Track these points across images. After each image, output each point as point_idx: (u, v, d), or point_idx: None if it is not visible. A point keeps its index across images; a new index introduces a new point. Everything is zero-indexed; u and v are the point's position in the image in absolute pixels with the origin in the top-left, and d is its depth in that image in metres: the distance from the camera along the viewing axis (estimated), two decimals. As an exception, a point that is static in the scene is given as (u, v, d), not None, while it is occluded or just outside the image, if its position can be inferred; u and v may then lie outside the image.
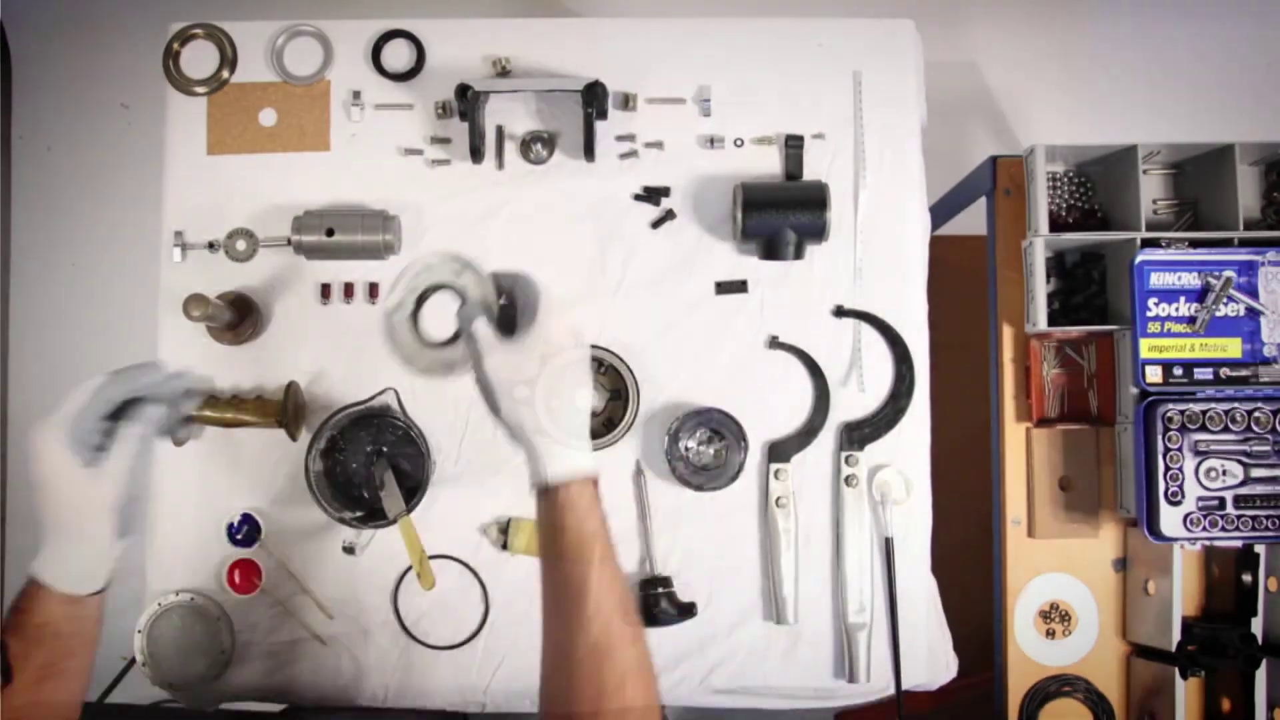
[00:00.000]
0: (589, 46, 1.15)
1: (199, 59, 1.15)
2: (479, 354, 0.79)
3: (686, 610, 1.07)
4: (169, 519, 1.10)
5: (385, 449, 1.08)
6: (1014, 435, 1.16)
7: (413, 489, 1.05)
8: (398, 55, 1.15)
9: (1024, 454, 1.16)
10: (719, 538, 1.10)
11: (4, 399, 1.88)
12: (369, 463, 1.06)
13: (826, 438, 1.12)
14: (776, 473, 1.10)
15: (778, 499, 1.09)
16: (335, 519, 1.02)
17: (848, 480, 1.10)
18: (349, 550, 1.09)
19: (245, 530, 1.09)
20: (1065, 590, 1.14)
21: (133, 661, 1.07)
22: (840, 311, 1.13)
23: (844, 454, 1.11)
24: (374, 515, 1.05)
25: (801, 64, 1.15)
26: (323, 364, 1.11)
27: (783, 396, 1.12)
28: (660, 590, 1.07)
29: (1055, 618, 1.14)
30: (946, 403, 1.14)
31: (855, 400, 1.12)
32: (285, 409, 1.06)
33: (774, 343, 1.12)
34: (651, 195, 1.13)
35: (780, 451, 1.11)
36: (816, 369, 1.12)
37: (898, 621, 1.09)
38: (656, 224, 1.14)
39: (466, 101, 1.07)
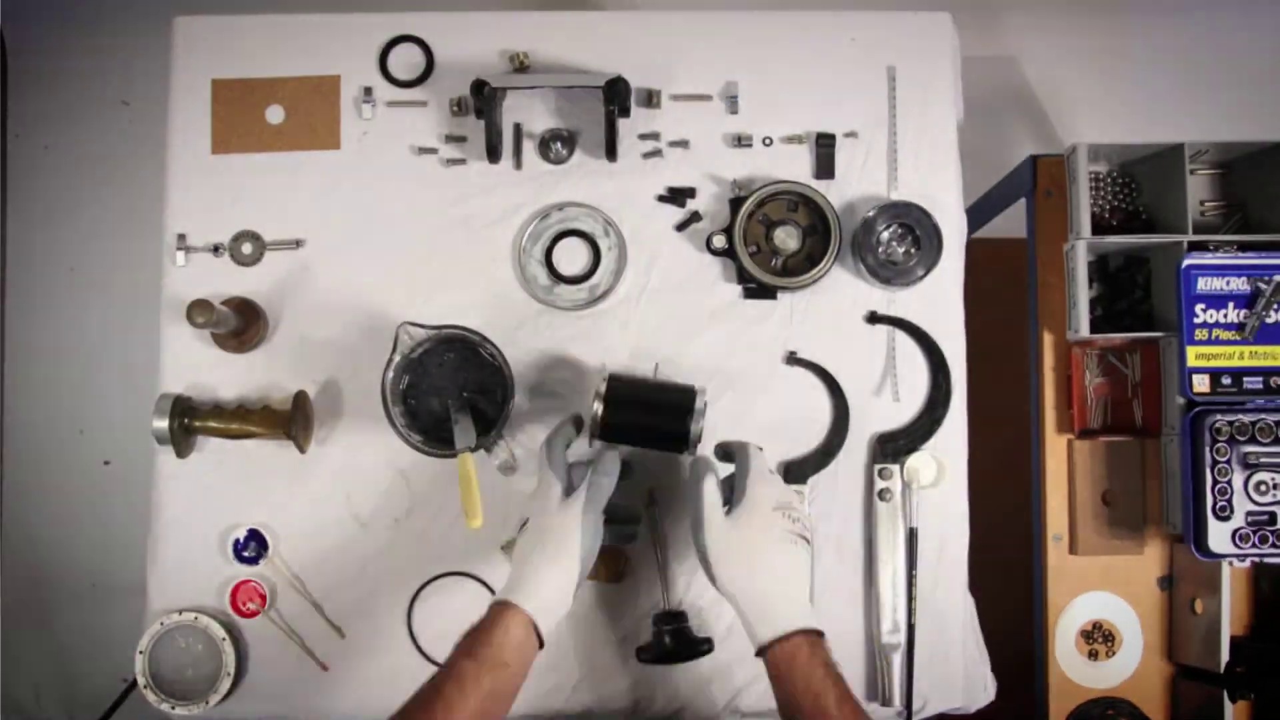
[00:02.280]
0: (611, 41, 1.10)
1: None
2: (700, 519, 0.87)
3: (701, 646, 1.02)
4: (172, 534, 1.06)
5: (467, 381, 1.01)
6: (1055, 447, 1.13)
7: (486, 427, 0.99)
8: (406, 61, 1.11)
9: (1065, 467, 1.12)
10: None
11: (1, 406, 1.85)
12: (451, 389, 1.00)
13: (859, 450, 1.07)
14: None
15: None
16: (403, 438, 0.96)
17: (881, 495, 1.06)
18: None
19: (251, 546, 1.05)
20: (1108, 609, 1.11)
21: (133, 684, 1.03)
22: (874, 318, 1.08)
23: (877, 467, 1.06)
24: (439, 443, 0.98)
25: (833, 59, 1.11)
26: (332, 372, 1.07)
27: (804, 413, 1.08)
28: (676, 625, 1.02)
29: (1098, 638, 1.11)
30: (984, 413, 1.10)
31: (889, 411, 1.08)
32: (293, 420, 1.02)
33: (791, 358, 1.07)
34: (676, 197, 1.09)
35: (796, 472, 1.06)
36: (836, 387, 1.07)
37: (915, 622, 1.04)
38: (681, 226, 1.09)
39: (483, 98, 1.02)
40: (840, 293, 1.09)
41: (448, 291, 1.08)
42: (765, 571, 0.86)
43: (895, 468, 1.06)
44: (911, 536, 1.05)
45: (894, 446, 1.07)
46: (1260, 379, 1.03)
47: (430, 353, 1.00)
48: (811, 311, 1.08)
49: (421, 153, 1.10)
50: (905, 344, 1.08)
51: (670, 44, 1.11)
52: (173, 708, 1.03)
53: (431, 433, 1.00)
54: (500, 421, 0.98)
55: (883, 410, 1.08)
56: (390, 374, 0.96)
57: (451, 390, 1.01)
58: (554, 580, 0.84)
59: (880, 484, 1.06)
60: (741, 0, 1.23)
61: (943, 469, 1.06)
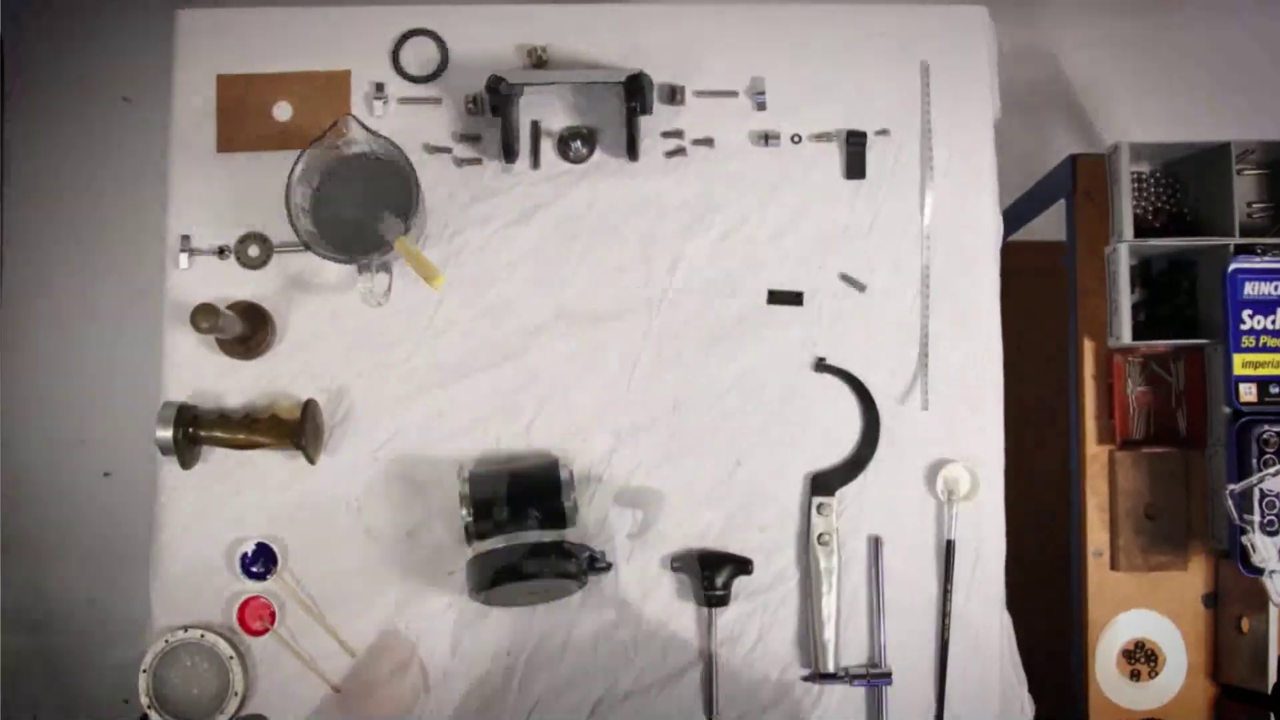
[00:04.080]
0: (632, 35, 1.07)
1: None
2: None
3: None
4: (176, 548, 1.02)
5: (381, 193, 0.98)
6: (1096, 459, 1.09)
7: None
8: (419, 55, 1.07)
9: (1106, 479, 1.09)
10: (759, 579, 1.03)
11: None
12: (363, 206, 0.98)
13: (901, 460, 1.04)
14: (819, 507, 1.02)
15: (820, 535, 1.01)
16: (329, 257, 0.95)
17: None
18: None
19: (260, 561, 1.02)
20: (1151, 628, 1.07)
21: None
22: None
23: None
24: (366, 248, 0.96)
25: (864, 53, 1.07)
26: (343, 380, 1.04)
27: (832, 422, 1.04)
28: None
29: (1140, 658, 1.07)
30: (1022, 424, 1.06)
31: (923, 420, 1.04)
32: (302, 429, 0.98)
33: (820, 365, 1.04)
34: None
35: (824, 484, 1.03)
36: (866, 394, 1.04)
37: (949, 638, 1.00)
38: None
39: (499, 95, 0.99)
40: (870, 296, 1.05)
41: (463, 296, 1.05)
42: None
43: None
44: (949, 549, 1.01)
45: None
46: (1310, 388, 1.00)
47: (344, 165, 0.97)
48: (842, 316, 1.05)
49: (435, 151, 1.06)
50: (940, 352, 1.04)
51: (695, 38, 1.07)
52: (178, 729, 1.00)
53: (348, 246, 0.96)
54: (414, 204, 0.94)
55: (914, 420, 1.04)
56: (298, 169, 0.92)
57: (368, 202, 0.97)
58: None
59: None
60: (769, -8, 1.19)
61: (976, 481, 1.02)
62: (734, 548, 1.03)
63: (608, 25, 1.07)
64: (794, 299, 1.05)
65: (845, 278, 1.02)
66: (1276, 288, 1.00)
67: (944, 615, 1.01)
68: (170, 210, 1.06)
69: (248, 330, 1.01)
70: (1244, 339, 1.00)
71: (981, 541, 1.03)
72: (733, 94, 1.06)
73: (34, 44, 1.88)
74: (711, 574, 1.00)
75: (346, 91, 1.07)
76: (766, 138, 1.06)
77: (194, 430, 0.99)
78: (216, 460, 1.03)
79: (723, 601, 1.00)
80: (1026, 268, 1.13)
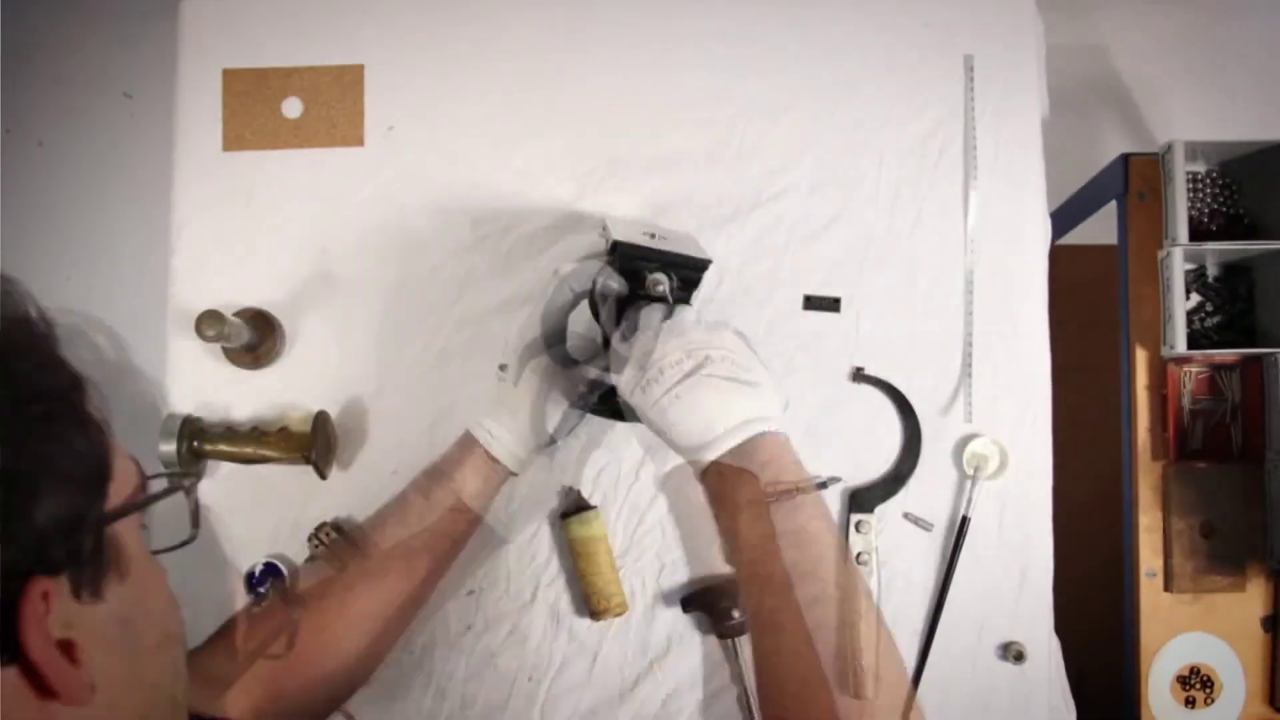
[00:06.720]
0: (665, 26, 1.03)
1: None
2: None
3: None
4: (179, 567, 0.95)
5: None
6: (1149, 474, 1.06)
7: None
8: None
9: (1160, 496, 1.05)
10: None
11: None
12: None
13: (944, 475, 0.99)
14: (858, 524, 0.98)
15: (858, 555, 0.97)
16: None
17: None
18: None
19: (268, 581, 0.97)
20: (1207, 652, 1.04)
21: None
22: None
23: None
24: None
25: (905, 47, 1.03)
26: (355, 390, 1.01)
27: (871, 435, 1.00)
28: None
29: (1195, 684, 1.04)
30: (1071, 436, 1.02)
31: (961, 432, 0.99)
32: (314, 442, 0.95)
33: (858, 375, 0.99)
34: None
35: (863, 500, 0.99)
36: (907, 406, 0.99)
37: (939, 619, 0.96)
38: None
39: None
40: (911, 303, 1.01)
41: (480, 302, 1.01)
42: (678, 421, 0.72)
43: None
44: (963, 525, 0.97)
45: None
46: (1375, 400, 0.96)
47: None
48: (880, 323, 1.01)
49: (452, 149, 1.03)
50: (985, 361, 1.00)
51: (724, 28, 1.03)
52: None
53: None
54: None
55: (952, 431, 0.99)
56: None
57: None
58: (503, 414, 0.86)
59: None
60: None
61: (1006, 456, 0.97)
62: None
63: (642, 16, 1.04)
64: (831, 305, 1.01)
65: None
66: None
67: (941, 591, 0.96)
68: (174, 211, 1.03)
69: (255, 338, 0.98)
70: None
71: (1028, 561, 0.98)
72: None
73: (32, 38, 1.86)
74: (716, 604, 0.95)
75: (360, 87, 1.03)
76: (802, 135, 1.01)
77: (199, 444, 0.96)
78: (222, 475, 1.00)
79: (740, 631, 0.95)
80: (1076, 273, 1.09)
